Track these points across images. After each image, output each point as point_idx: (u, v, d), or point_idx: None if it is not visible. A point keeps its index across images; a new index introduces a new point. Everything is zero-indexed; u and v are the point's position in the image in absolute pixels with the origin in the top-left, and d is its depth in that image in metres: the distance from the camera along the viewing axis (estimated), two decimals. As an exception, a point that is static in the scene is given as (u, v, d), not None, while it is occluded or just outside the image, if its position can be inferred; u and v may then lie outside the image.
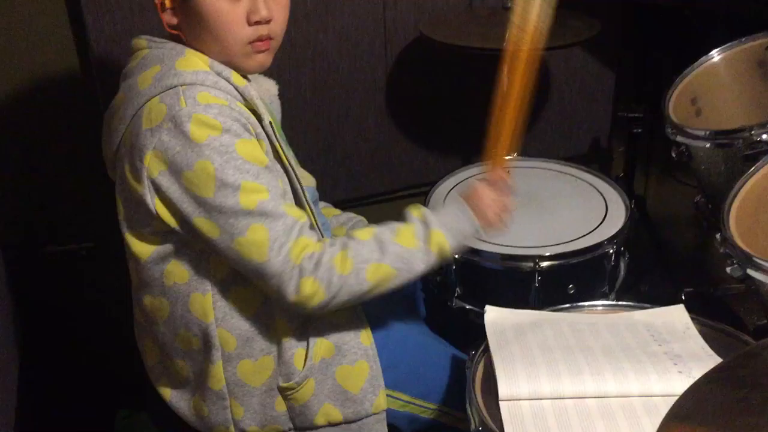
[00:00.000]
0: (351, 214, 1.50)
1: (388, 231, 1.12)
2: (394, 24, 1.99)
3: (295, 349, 1.16)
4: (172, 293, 1.13)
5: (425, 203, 1.55)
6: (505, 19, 1.82)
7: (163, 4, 1.09)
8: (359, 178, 2.15)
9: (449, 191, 1.60)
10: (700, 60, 1.51)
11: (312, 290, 1.06)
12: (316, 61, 1.96)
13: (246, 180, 1.03)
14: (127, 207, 1.11)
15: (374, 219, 1.52)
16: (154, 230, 1.10)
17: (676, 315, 1.14)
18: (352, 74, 2.01)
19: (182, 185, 1.03)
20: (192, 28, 1.09)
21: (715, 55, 1.50)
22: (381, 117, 2.10)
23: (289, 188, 1.15)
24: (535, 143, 2.27)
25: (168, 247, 1.10)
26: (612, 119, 2.32)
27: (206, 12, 1.05)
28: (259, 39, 1.09)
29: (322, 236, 1.19)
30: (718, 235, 1.10)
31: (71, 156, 1.77)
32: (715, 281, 1.56)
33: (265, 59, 1.13)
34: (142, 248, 1.12)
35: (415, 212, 1.15)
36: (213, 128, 1.02)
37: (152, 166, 1.03)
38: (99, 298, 1.80)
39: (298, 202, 1.17)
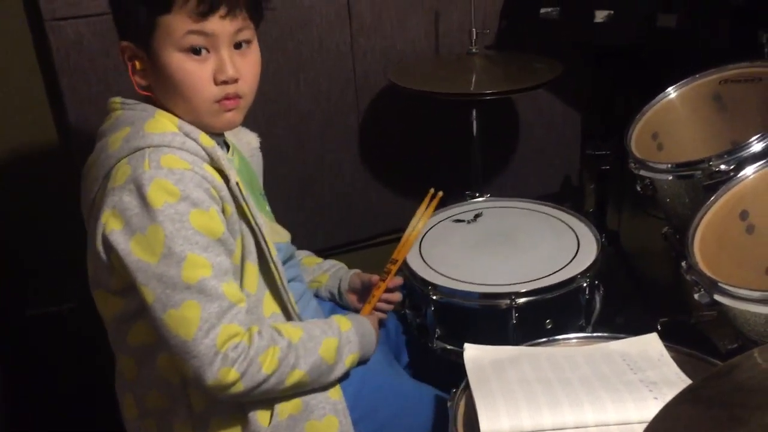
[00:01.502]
0: (333, 262, 1.52)
1: (316, 339, 1.16)
2: (364, 73, 2.05)
3: (261, 407, 1.15)
4: (138, 354, 1.14)
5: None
6: (470, 65, 1.91)
7: (133, 65, 1.11)
8: (337, 226, 2.18)
9: (423, 235, 1.62)
10: (657, 97, 1.56)
11: (232, 380, 1.05)
12: (290, 113, 2.01)
13: (193, 252, 1.03)
14: (91, 265, 1.12)
15: (354, 266, 1.55)
16: (114, 289, 1.10)
17: (651, 343, 1.17)
18: (325, 124, 2.07)
19: (130, 246, 1.03)
20: (162, 89, 1.10)
21: (672, 92, 1.56)
22: (356, 165, 2.15)
23: (254, 248, 1.15)
24: (509, 183, 2.32)
25: (131, 308, 1.10)
26: (581, 157, 2.39)
27: (174, 72, 1.07)
28: (227, 98, 1.11)
29: (288, 295, 1.20)
30: (683, 263, 1.13)
31: (49, 216, 1.78)
32: (689, 309, 1.59)
33: (233, 117, 1.14)
34: (106, 308, 1.13)
35: (343, 326, 1.21)
36: (171, 194, 1.02)
37: (108, 223, 1.04)
38: (83, 357, 1.79)
39: (264, 263, 1.18)
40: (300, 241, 1.46)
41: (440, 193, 1.57)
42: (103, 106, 1.20)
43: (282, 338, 1.12)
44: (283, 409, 1.15)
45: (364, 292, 1.44)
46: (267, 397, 1.12)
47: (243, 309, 1.08)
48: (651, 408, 0.98)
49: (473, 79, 1.83)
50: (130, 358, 1.15)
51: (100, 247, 1.06)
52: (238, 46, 1.10)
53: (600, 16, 1.91)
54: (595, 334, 1.24)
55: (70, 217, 1.62)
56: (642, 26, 1.88)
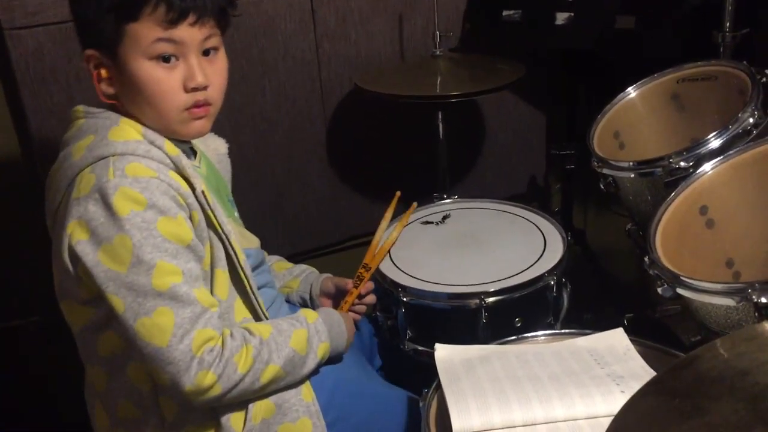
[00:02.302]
0: (304, 267, 1.52)
1: (285, 333, 1.16)
2: (329, 79, 2.06)
3: (233, 411, 1.14)
4: (108, 363, 1.12)
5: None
6: (434, 67, 1.92)
7: (99, 74, 1.09)
8: (307, 231, 2.18)
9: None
10: (618, 96, 1.60)
11: (209, 384, 1.05)
12: (256, 120, 2.01)
13: (162, 260, 1.02)
14: (57, 276, 1.11)
15: (325, 271, 1.55)
16: (83, 299, 1.09)
17: (617, 338, 1.19)
18: (292, 131, 2.07)
19: (98, 256, 1.02)
20: (129, 97, 1.09)
21: (632, 91, 1.60)
22: (323, 170, 2.15)
23: (223, 255, 1.15)
24: (476, 185, 2.34)
25: (100, 317, 1.09)
26: (546, 157, 2.42)
27: (142, 80, 1.06)
28: (196, 105, 1.10)
29: (258, 301, 1.20)
30: (646, 258, 1.16)
31: (10, 230, 1.76)
32: (654, 304, 1.63)
33: (203, 125, 1.14)
34: (74, 318, 1.12)
35: (310, 317, 1.22)
36: (137, 203, 1.02)
37: (74, 234, 1.03)
38: (50, 371, 1.76)
39: (233, 270, 1.17)
40: (270, 246, 1.46)
41: (414, 204, 1.63)
42: (65, 115, 1.18)
43: (253, 336, 1.12)
44: (257, 413, 1.15)
45: (337, 295, 1.44)
46: (243, 398, 1.12)
47: (215, 313, 1.08)
48: (618, 401, 1.00)
49: (438, 82, 1.85)
50: (100, 368, 1.14)
51: (66, 259, 1.05)
52: (206, 53, 1.10)
53: (561, 18, 1.94)
54: (562, 331, 1.26)
55: (32, 229, 1.60)
56: (601, 28, 1.92)
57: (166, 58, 1.06)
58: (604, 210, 2.32)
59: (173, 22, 1.04)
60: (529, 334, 1.26)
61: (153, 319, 1.02)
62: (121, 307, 1.02)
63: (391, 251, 1.58)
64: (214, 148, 1.35)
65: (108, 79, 1.10)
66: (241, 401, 1.13)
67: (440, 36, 1.89)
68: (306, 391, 1.21)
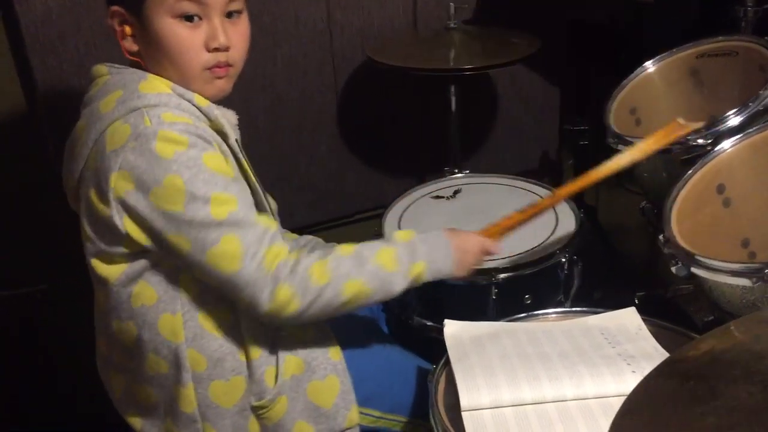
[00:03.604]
0: (309, 237, 1.51)
1: (369, 249, 1.14)
2: (341, 50, 2.03)
3: (265, 366, 1.16)
4: (140, 316, 1.12)
5: (381, 225, 1.57)
6: (448, 40, 1.89)
7: (123, 31, 1.10)
8: (315, 204, 2.17)
9: (403, 212, 1.62)
10: (635, 71, 1.56)
11: (287, 297, 1.06)
12: (267, 91, 1.98)
13: (215, 192, 1.04)
14: (95, 231, 1.10)
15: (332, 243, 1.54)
16: (124, 251, 1.09)
17: (628, 317, 1.18)
18: (302, 102, 2.04)
19: (151, 202, 1.03)
20: (152, 55, 1.10)
21: (650, 66, 1.56)
22: (333, 142, 2.13)
23: (253, 202, 1.15)
24: (488, 160, 2.31)
25: (136, 268, 1.10)
26: (559, 133, 2.39)
27: (165, 38, 1.07)
28: (218, 65, 1.11)
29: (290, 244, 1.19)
30: (661, 237, 1.14)
31: (18, 198, 1.75)
32: (666, 283, 1.61)
33: (224, 85, 1.15)
34: (109, 271, 1.12)
35: (402, 236, 1.18)
36: (179, 144, 1.03)
37: (118, 186, 1.03)
38: (58, 339, 1.77)
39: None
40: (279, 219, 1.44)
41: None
42: (74, 81, 1.18)
43: (332, 252, 1.12)
44: (287, 368, 1.17)
45: None
46: (327, 315, 1.12)
47: (278, 232, 1.10)
48: (629, 381, 0.99)
49: (451, 55, 1.81)
50: (130, 321, 1.13)
51: (113, 212, 1.04)
52: (229, 15, 1.11)
53: (578, -11, 1.90)
54: (573, 309, 1.24)
55: (38, 196, 1.60)
56: (620, 1, 1.87)
57: (189, 17, 1.07)
58: (616, 187, 2.28)
59: None
60: (539, 312, 1.24)
61: (220, 248, 1.04)
62: (187, 245, 1.04)
63: (401, 225, 1.57)
64: (227, 118, 1.34)
65: (132, 37, 1.11)
66: (326, 318, 1.14)
67: (454, 8, 1.85)
68: (333, 350, 1.22)
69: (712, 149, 1.26)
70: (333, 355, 1.21)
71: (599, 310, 1.22)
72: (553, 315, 1.24)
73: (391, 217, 1.61)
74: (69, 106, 1.19)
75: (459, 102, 1.93)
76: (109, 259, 1.11)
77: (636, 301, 1.54)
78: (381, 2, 2.01)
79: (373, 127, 2.15)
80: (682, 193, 1.19)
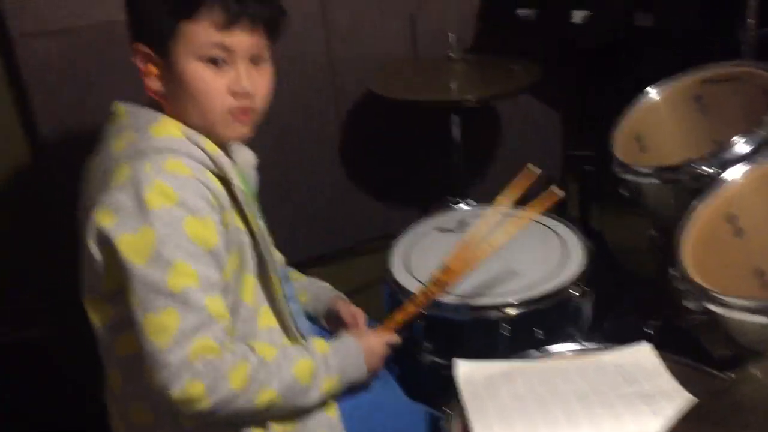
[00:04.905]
0: (315, 280, 1.49)
1: (289, 358, 1.12)
2: (342, 82, 2.02)
3: (255, 426, 1.12)
4: (124, 364, 1.11)
5: (387, 260, 1.56)
6: (449, 70, 1.88)
7: (147, 70, 1.11)
8: (319, 235, 2.15)
9: (409, 246, 1.60)
10: (639, 98, 1.55)
11: (198, 395, 1.02)
12: (270, 123, 1.96)
13: (182, 259, 1.01)
14: (85, 268, 1.10)
15: (338, 277, 1.52)
16: (107, 292, 1.08)
17: (644, 354, 1.15)
18: (305, 134, 2.04)
19: (120, 246, 1.02)
20: (175, 95, 1.11)
21: (653, 93, 1.55)
22: (336, 173, 2.12)
23: (254, 258, 1.15)
24: (490, 186, 2.28)
25: (122, 316, 1.07)
26: (563, 158, 2.37)
27: (190, 80, 1.08)
28: (240, 110, 1.12)
29: (288, 308, 1.19)
30: (673, 271, 1.12)
31: (19, 243, 1.74)
32: (678, 308, 1.59)
33: (244, 130, 1.15)
34: (97, 316, 1.11)
35: (321, 348, 1.16)
36: (169, 198, 1.02)
37: (102, 220, 1.03)
38: (62, 382, 1.75)
39: (263, 275, 1.17)
40: (281, 251, 1.42)
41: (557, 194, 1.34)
42: (75, 121, 1.17)
43: (254, 355, 1.09)
44: (277, 426, 1.13)
45: (341, 324, 1.38)
46: (239, 418, 1.09)
47: (222, 326, 1.05)
48: (649, 423, 0.97)
49: (453, 86, 1.81)
50: (117, 369, 1.13)
51: (94, 245, 1.05)
52: (254, 61, 1.12)
53: (577, 16, 1.90)
54: (587, 345, 1.22)
55: (38, 236, 1.58)
56: (619, 25, 1.87)
57: (215, 61, 1.08)
58: (623, 210, 2.27)
59: (228, 25, 1.06)
60: (552, 349, 1.22)
61: (159, 317, 1.01)
62: (133, 298, 1.02)
63: (406, 260, 1.55)
64: (245, 159, 1.33)
65: (156, 75, 1.11)
66: (238, 422, 1.10)
67: (454, 38, 1.85)
68: (330, 405, 1.18)
69: (721, 177, 1.25)
70: (329, 410, 1.17)
71: (612, 344, 1.19)
72: (567, 352, 1.22)
73: (397, 252, 1.59)
74: (72, 148, 1.19)
75: (462, 130, 1.92)
76: (96, 303, 1.11)
77: (649, 331, 1.54)
78: (380, 34, 2.01)
79: (375, 157, 2.14)
80: (693, 224, 1.18)
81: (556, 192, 1.29)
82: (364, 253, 2.23)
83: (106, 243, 1.03)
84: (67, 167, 1.19)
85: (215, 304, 1.05)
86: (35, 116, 1.71)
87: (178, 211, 1.02)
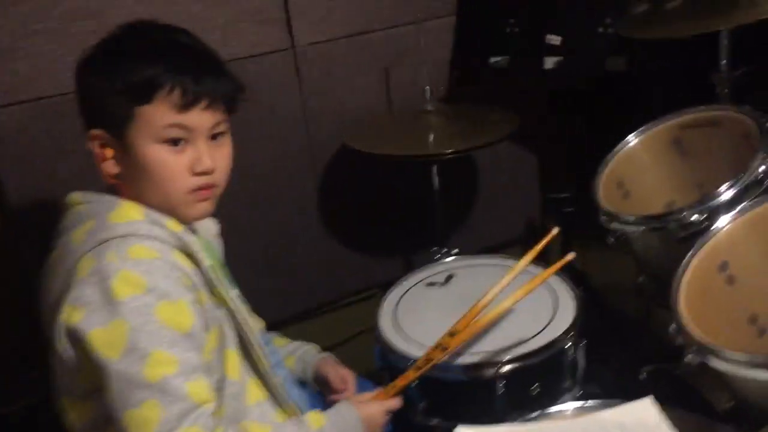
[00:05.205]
0: (300, 343, 1.46)
1: None
2: (317, 135, 2.01)
3: None
4: None
5: (376, 318, 1.53)
6: (425, 122, 1.87)
7: (103, 154, 1.08)
8: (301, 291, 2.12)
9: (398, 303, 1.58)
10: (619, 145, 1.56)
11: None
12: (246, 181, 1.94)
13: (157, 349, 0.98)
14: (55, 370, 1.06)
15: (322, 330, 1.49)
16: (84, 391, 1.04)
17: (646, 409, 1.13)
18: (281, 188, 2.01)
19: (93, 342, 0.98)
20: (134, 178, 1.08)
21: (633, 139, 1.56)
22: (315, 227, 2.10)
23: (233, 333, 1.12)
24: (471, 232, 2.29)
25: (101, 412, 1.03)
26: (541, 199, 2.38)
27: (149, 162, 1.05)
28: (202, 187, 1.09)
29: (273, 379, 1.15)
30: (671, 327, 1.11)
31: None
32: (670, 351, 1.58)
33: (207, 207, 1.13)
34: (74, 416, 1.07)
35: (316, 422, 1.13)
36: (137, 287, 0.99)
37: (70, 317, 0.99)
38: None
39: (245, 348, 1.14)
40: (261, 310, 1.39)
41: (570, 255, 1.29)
42: (47, 192, 1.14)
43: None
44: None
45: (332, 386, 1.36)
46: None
47: (208, 410, 1.01)
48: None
49: (431, 138, 1.80)
50: None
51: (64, 344, 1.01)
52: (213, 137, 1.10)
53: (549, 62, 1.91)
54: (588, 404, 1.20)
55: (14, 312, 1.52)
56: (591, 70, 1.89)
57: (174, 141, 1.06)
58: (604, 250, 2.27)
59: (186, 106, 1.05)
60: (553, 409, 1.20)
61: (141, 412, 0.97)
62: (110, 395, 0.98)
63: (397, 317, 1.52)
64: (206, 228, 1.31)
65: (113, 159, 1.08)
66: None
67: (429, 90, 1.85)
68: None
69: (709, 225, 1.25)
70: None
71: (614, 401, 1.17)
72: (568, 411, 1.20)
73: (386, 310, 1.56)
74: (42, 217, 1.16)
75: (440, 180, 1.91)
76: (72, 403, 1.07)
77: (643, 375, 1.52)
78: (354, 87, 2.01)
79: (355, 209, 2.12)
80: (686, 277, 1.17)
81: (569, 257, 1.27)
82: (347, 305, 2.21)
83: (77, 340, 0.99)
84: (37, 237, 1.16)
85: (198, 388, 1.01)
86: (4, 186, 1.67)
87: (148, 299, 0.99)
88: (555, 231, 1.32)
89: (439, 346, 1.28)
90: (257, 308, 1.36)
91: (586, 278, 2.18)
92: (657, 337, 1.97)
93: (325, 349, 1.46)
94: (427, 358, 1.28)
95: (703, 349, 1.04)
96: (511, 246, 2.39)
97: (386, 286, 1.65)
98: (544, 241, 1.34)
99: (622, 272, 2.13)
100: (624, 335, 1.98)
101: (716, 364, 1.03)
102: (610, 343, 1.89)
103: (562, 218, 2.17)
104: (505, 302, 1.27)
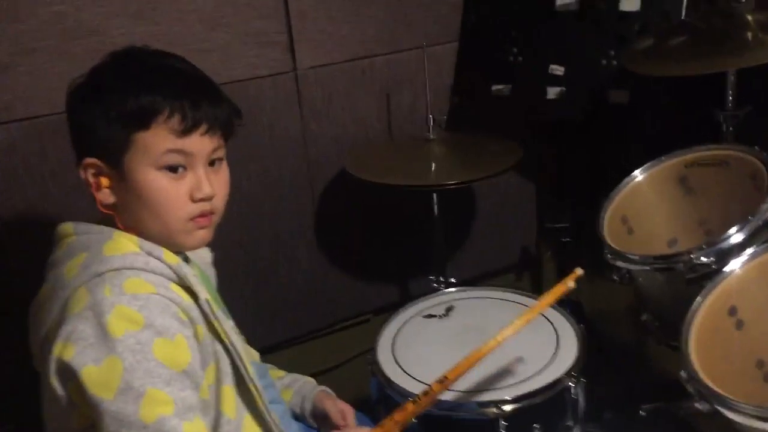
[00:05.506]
0: (297, 376, 1.43)
1: None
2: (317, 159, 1.98)
3: None
4: None
5: (374, 349, 1.50)
6: (426, 151, 1.85)
7: (98, 183, 1.05)
8: (297, 316, 2.08)
9: (396, 334, 1.55)
10: (624, 180, 1.55)
11: None
12: (242, 203, 1.91)
13: (154, 387, 0.95)
14: (49, 405, 1.03)
15: (316, 354, 1.45)
16: (73, 425, 1.01)
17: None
18: (278, 212, 1.98)
19: (86, 380, 0.94)
20: (131, 207, 1.05)
21: (638, 175, 1.55)
22: (312, 253, 2.06)
23: (230, 369, 1.09)
24: (468, 259, 2.27)
25: None
26: (538, 228, 2.36)
27: (147, 189, 1.03)
28: (201, 215, 1.07)
29: (270, 415, 1.12)
30: (682, 373, 1.09)
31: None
32: (669, 387, 1.56)
33: (206, 235, 1.10)
34: None
35: None
36: (133, 323, 0.96)
37: (63, 353, 0.95)
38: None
39: (241, 384, 1.11)
40: (258, 334, 1.38)
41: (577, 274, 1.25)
42: (39, 212, 1.11)
43: None
44: None
45: (329, 420, 1.32)
46: None
47: None
48: None
49: (432, 168, 1.78)
50: None
51: (56, 381, 0.97)
52: (212, 163, 1.08)
53: (552, 93, 1.90)
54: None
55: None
56: (594, 102, 1.88)
57: (173, 168, 1.04)
58: (602, 279, 2.26)
59: (186, 131, 1.02)
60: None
61: None
62: None
63: (395, 351, 1.49)
64: (201, 256, 1.28)
65: (108, 188, 1.05)
66: None
67: (431, 118, 1.83)
68: None
69: (718, 267, 1.24)
70: None
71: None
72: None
73: (384, 341, 1.54)
74: (34, 236, 1.13)
75: (440, 208, 1.89)
76: None
77: (642, 413, 1.50)
78: (355, 112, 1.99)
79: (352, 234, 2.09)
80: (696, 322, 1.15)
81: (569, 284, 1.24)
82: (341, 329, 2.18)
83: (69, 378, 0.96)
84: (29, 255, 1.14)
85: (194, 429, 0.98)
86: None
87: (144, 335, 0.96)
88: (579, 272, 1.24)
89: (441, 381, 1.24)
90: (251, 332, 1.33)
91: (581, 308, 2.17)
92: (655, 372, 1.97)
93: (319, 373, 1.43)
94: (427, 393, 1.24)
95: (715, 399, 1.02)
96: (506, 273, 2.37)
97: (381, 311, 1.62)
98: (563, 288, 1.25)
99: (617, 302, 2.13)
100: (620, 367, 1.96)
101: (727, 413, 1.01)
102: (606, 373, 1.88)
103: (559, 248, 2.16)
104: (504, 332, 1.23)
